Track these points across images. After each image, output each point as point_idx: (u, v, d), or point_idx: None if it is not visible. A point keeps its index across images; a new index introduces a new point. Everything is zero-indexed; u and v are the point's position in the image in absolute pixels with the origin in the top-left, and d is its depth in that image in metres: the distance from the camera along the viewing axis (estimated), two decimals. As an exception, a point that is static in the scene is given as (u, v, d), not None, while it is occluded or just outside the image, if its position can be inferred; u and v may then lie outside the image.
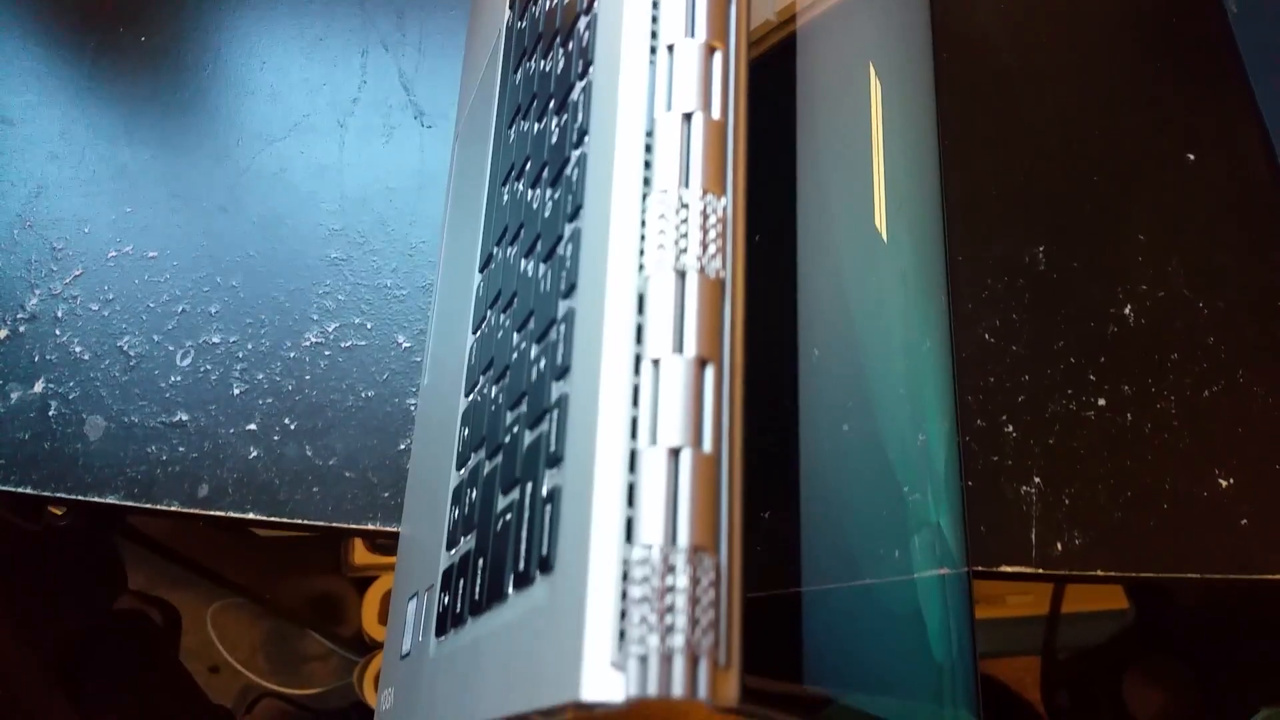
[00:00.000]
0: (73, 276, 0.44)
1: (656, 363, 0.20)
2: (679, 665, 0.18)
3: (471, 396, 0.32)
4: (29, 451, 0.41)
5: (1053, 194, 0.44)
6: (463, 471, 0.32)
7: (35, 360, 0.42)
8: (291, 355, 0.43)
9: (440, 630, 0.31)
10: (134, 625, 0.60)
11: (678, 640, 0.18)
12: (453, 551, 0.31)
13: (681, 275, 0.20)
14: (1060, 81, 0.46)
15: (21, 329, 0.43)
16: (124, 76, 0.47)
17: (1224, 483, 0.41)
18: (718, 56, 0.22)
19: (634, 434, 0.20)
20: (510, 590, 0.24)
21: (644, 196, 0.21)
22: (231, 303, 0.43)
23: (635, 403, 0.20)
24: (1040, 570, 0.40)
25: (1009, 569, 0.40)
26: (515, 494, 0.25)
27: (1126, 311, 0.43)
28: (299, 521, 0.41)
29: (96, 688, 0.55)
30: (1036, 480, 0.41)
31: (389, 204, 0.45)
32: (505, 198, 0.33)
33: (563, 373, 0.23)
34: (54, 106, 0.47)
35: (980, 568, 0.40)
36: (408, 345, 0.43)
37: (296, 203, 0.45)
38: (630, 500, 0.19)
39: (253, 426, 0.42)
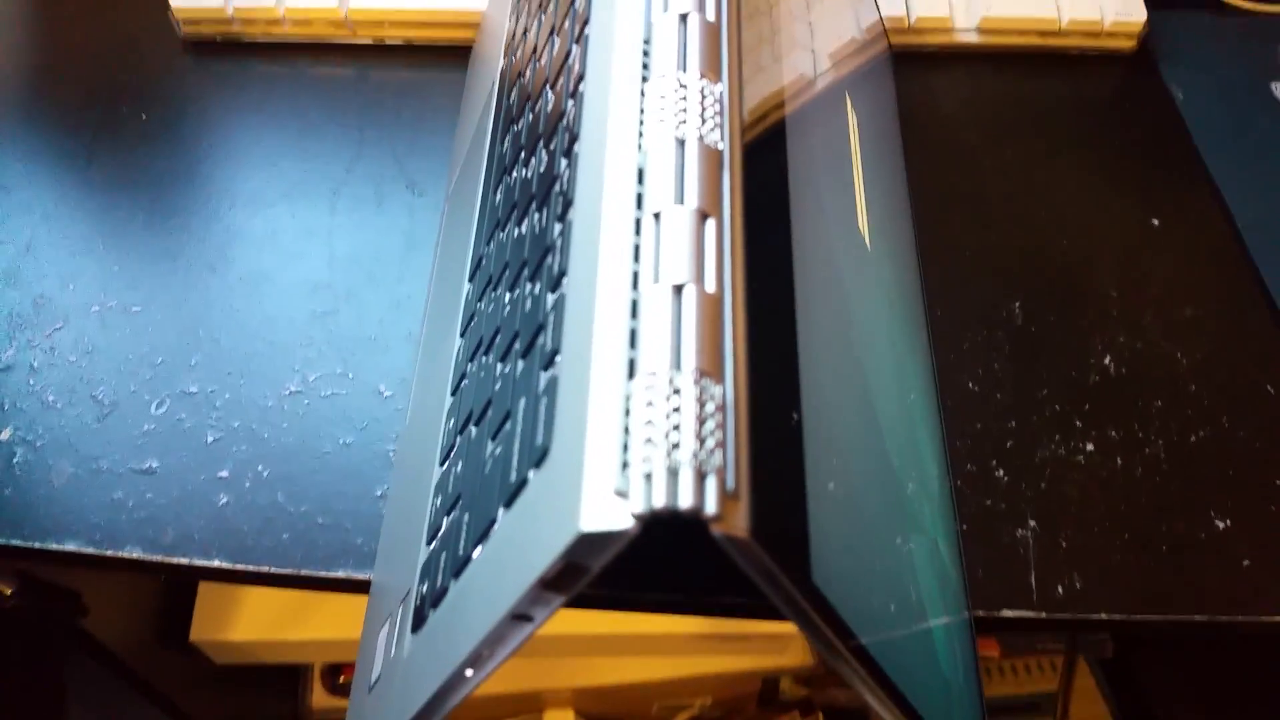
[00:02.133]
0: (53, 329, 0.44)
1: (657, 215, 0.20)
2: (686, 478, 0.17)
3: (456, 395, 0.32)
4: (-11, 493, 0.39)
5: (1024, 253, 0.46)
6: (444, 465, 0.31)
7: (5, 408, 0.41)
8: (269, 404, 0.42)
9: (419, 622, 0.29)
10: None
11: (684, 454, 0.17)
12: (432, 544, 0.30)
13: (681, 144, 0.20)
14: (1021, 154, 0.49)
15: (-5, 376, 0.42)
16: (123, 149, 0.49)
17: (1221, 524, 0.40)
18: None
19: (635, 283, 0.19)
20: (500, 511, 0.23)
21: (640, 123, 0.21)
22: (212, 354, 0.43)
23: (636, 258, 0.20)
24: (1044, 615, 0.39)
25: (1011, 613, 0.39)
26: (508, 405, 0.24)
27: (1106, 361, 0.43)
28: (265, 570, 0.39)
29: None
30: (1032, 523, 0.40)
31: (377, 261, 0.45)
32: (491, 245, 0.34)
33: (562, 266, 0.23)
34: (51, 175, 0.48)
35: (982, 612, 0.39)
36: (389, 393, 0.42)
37: (285, 261, 0.45)
38: (633, 343, 0.19)
39: (224, 473, 0.40)
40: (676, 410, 0.17)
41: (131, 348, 0.43)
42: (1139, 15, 0.50)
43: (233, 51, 0.52)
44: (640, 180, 0.20)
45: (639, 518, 0.16)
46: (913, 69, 0.52)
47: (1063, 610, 0.39)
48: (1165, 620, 0.39)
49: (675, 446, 0.16)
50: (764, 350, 0.20)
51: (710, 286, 0.18)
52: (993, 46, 0.52)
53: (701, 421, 0.17)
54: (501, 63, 0.41)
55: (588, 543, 0.17)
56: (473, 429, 0.27)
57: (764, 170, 0.28)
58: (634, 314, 0.18)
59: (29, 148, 0.49)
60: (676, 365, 0.17)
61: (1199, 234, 0.46)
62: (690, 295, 0.18)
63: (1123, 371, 0.43)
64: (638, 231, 0.19)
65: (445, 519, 0.29)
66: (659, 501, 0.16)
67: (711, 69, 0.21)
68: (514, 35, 0.39)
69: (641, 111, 0.21)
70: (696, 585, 0.37)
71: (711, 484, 0.16)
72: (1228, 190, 0.47)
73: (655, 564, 0.37)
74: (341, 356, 0.43)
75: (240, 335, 0.43)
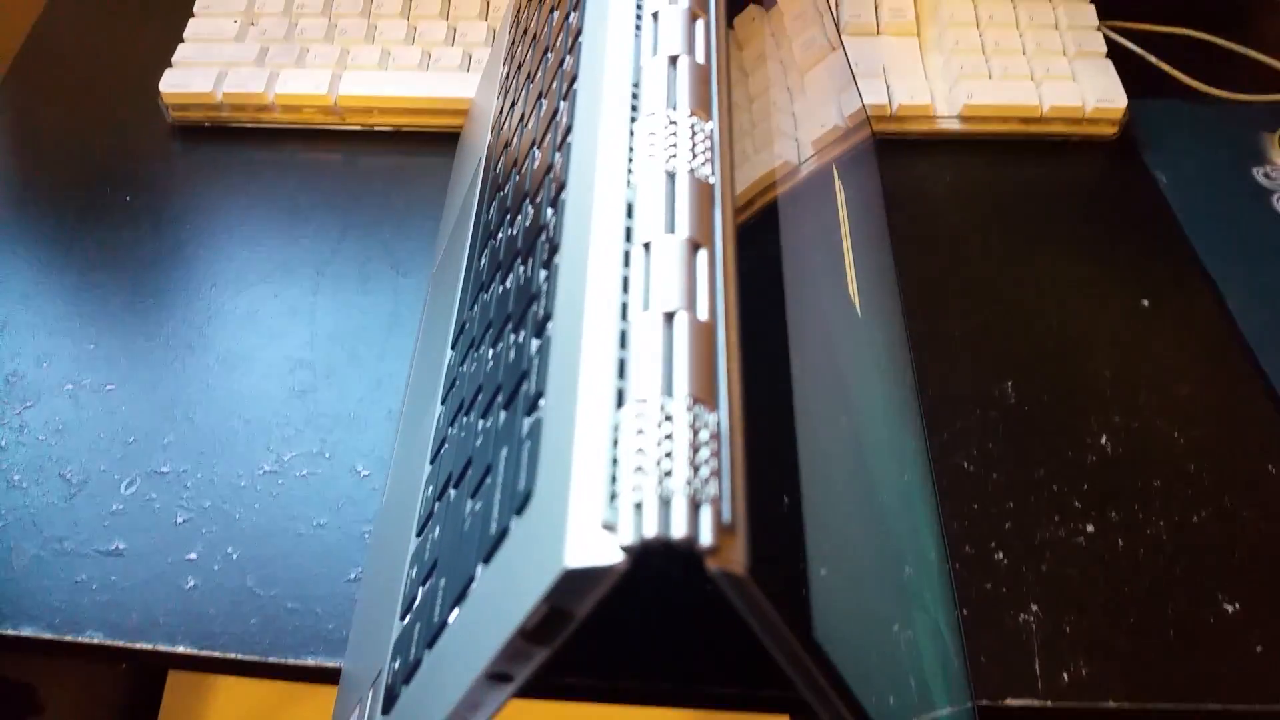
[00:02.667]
0: (23, 407, 0.42)
1: (647, 246, 0.19)
2: (679, 508, 0.16)
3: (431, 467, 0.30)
4: (-56, 575, 0.38)
5: (1014, 333, 0.45)
6: (421, 536, 0.30)
7: (-32, 488, 0.40)
8: (243, 484, 0.40)
9: (389, 702, 0.27)
10: None
11: (677, 482, 0.16)
12: (406, 618, 0.28)
13: (671, 176, 0.20)
14: (1008, 237, 0.49)
15: (-41, 455, 0.41)
16: (105, 231, 0.48)
17: (1230, 608, 0.38)
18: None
19: (624, 314, 0.18)
20: (479, 568, 0.21)
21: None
22: (186, 433, 0.42)
23: (625, 289, 0.19)
24: (1049, 703, 0.37)
25: (1015, 702, 0.37)
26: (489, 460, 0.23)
27: (1103, 441, 0.42)
28: (231, 657, 0.37)
29: None
30: (1034, 608, 0.38)
31: (359, 340, 0.45)
32: (475, 308, 0.33)
33: (547, 309, 0.22)
34: (31, 256, 0.47)
35: (985, 701, 0.37)
36: (367, 473, 0.41)
37: (265, 340, 0.45)
38: (621, 373, 0.18)
39: (193, 555, 0.39)
40: (668, 438, 0.16)
41: (103, 426, 0.42)
42: (1120, 101, 0.51)
43: (221, 136, 0.53)
44: (629, 214, 0.19)
45: (629, 550, 0.15)
46: (897, 156, 0.52)
47: (1069, 698, 0.37)
48: (1177, 709, 0.37)
49: (667, 475, 0.15)
50: (759, 398, 0.19)
51: (703, 314, 0.17)
52: (975, 133, 0.52)
53: (695, 449, 0.16)
54: (488, 138, 0.41)
55: (573, 582, 0.15)
56: (451, 492, 0.26)
57: (754, 248, 0.28)
58: (623, 344, 0.17)
59: (9, 229, 0.48)
60: (668, 392, 0.16)
61: (1190, 314, 0.46)
62: (682, 322, 0.17)
63: (1120, 451, 0.42)
64: (626, 264, 0.18)
65: (420, 589, 0.27)
66: (650, 531, 0.15)
67: (701, 107, 0.21)
68: (501, 110, 0.39)
69: (630, 149, 0.20)
70: (687, 646, 0.35)
71: (707, 515, 0.15)
72: (1217, 272, 0.47)
73: (643, 613, 0.35)
74: (319, 435, 0.42)
75: (216, 414, 0.42)
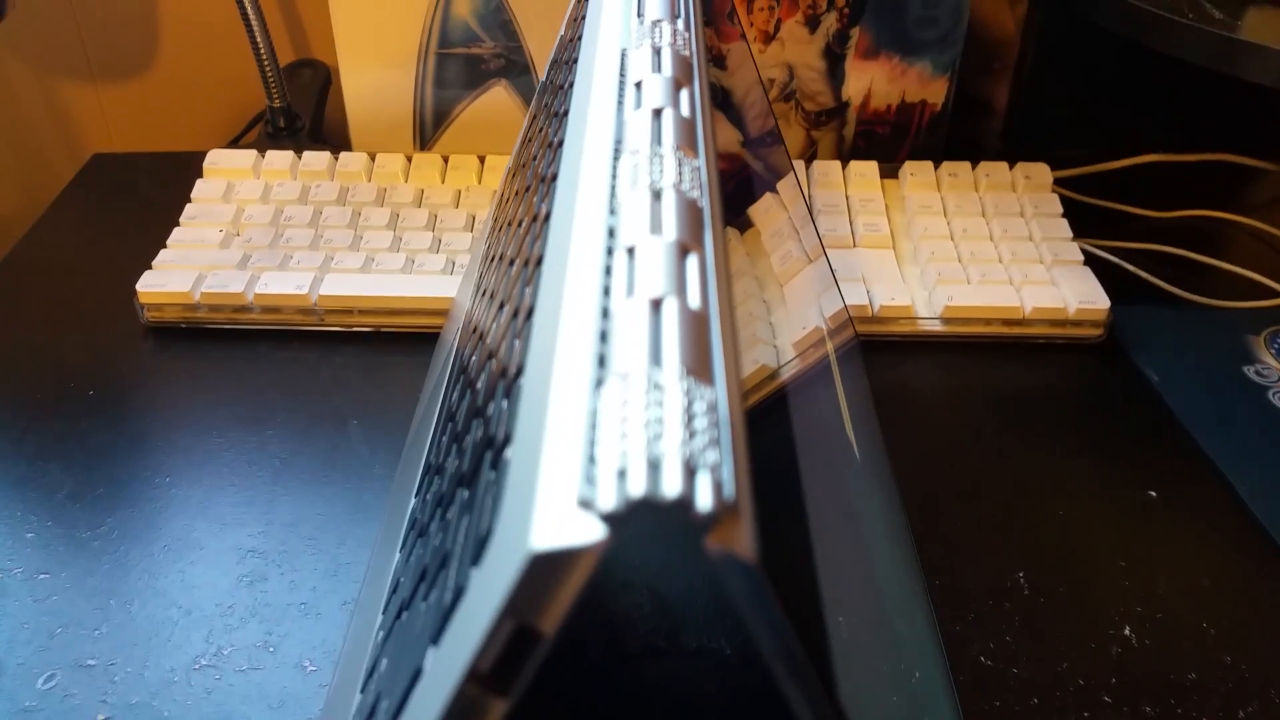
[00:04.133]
0: (-59, 597, 0.39)
1: (631, 250, 0.17)
2: (672, 468, 0.13)
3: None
4: None
5: (1021, 525, 0.43)
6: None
7: None
8: (175, 678, 0.36)
9: None
10: None
11: (669, 444, 0.13)
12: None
13: (657, 195, 0.18)
14: (1003, 432, 0.47)
15: None
16: (61, 423, 0.46)
17: (1296, 817, 0.33)
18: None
19: (606, 314, 0.16)
20: (429, 651, 0.18)
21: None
22: (121, 623, 0.38)
23: (607, 294, 0.17)
24: None
25: None
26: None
27: (1127, 632, 0.38)
28: None
29: None
30: (1072, 818, 0.33)
31: (319, 527, 0.41)
32: (444, 437, 0.31)
33: (520, 363, 0.19)
34: (-21, 444, 0.45)
35: None
36: (314, 668, 0.36)
37: (218, 527, 0.41)
38: (601, 364, 0.15)
39: (109, 760, 0.34)
40: (659, 404, 0.13)
41: (29, 616, 0.38)
42: (1103, 303, 0.51)
43: (194, 336, 0.52)
44: (611, 235, 0.17)
45: (610, 518, 0.12)
46: (882, 356, 0.51)
47: None
48: None
49: (656, 438, 0.13)
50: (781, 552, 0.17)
51: (694, 303, 0.15)
52: (959, 335, 0.52)
53: (690, 417, 0.13)
54: (468, 305, 0.40)
55: (541, 575, 0.12)
56: (404, 615, 0.23)
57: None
58: (603, 339, 0.15)
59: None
60: (656, 362, 0.14)
61: (1200, 504, 0.44)
62: (671, 307, 0.15)
63: (1146, 643, 0.38)
64: (608, 273, 0.16)
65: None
66: (636, 490, 0.12)
67: (688, 145, 0.20)
68: (474, 295, 0.39)
69: (613, 177, 0.19)
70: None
71: (705, 480, 0.12)
72: (1224, 462, 0.45)
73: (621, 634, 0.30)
74: (265, 626, 0.38)
75: (155, 604, 0.38)
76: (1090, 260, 0.55)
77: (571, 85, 0.31)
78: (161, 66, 0.76)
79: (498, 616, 0.13)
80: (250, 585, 0.39)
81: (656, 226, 0.17)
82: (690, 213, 0.17)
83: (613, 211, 0.18)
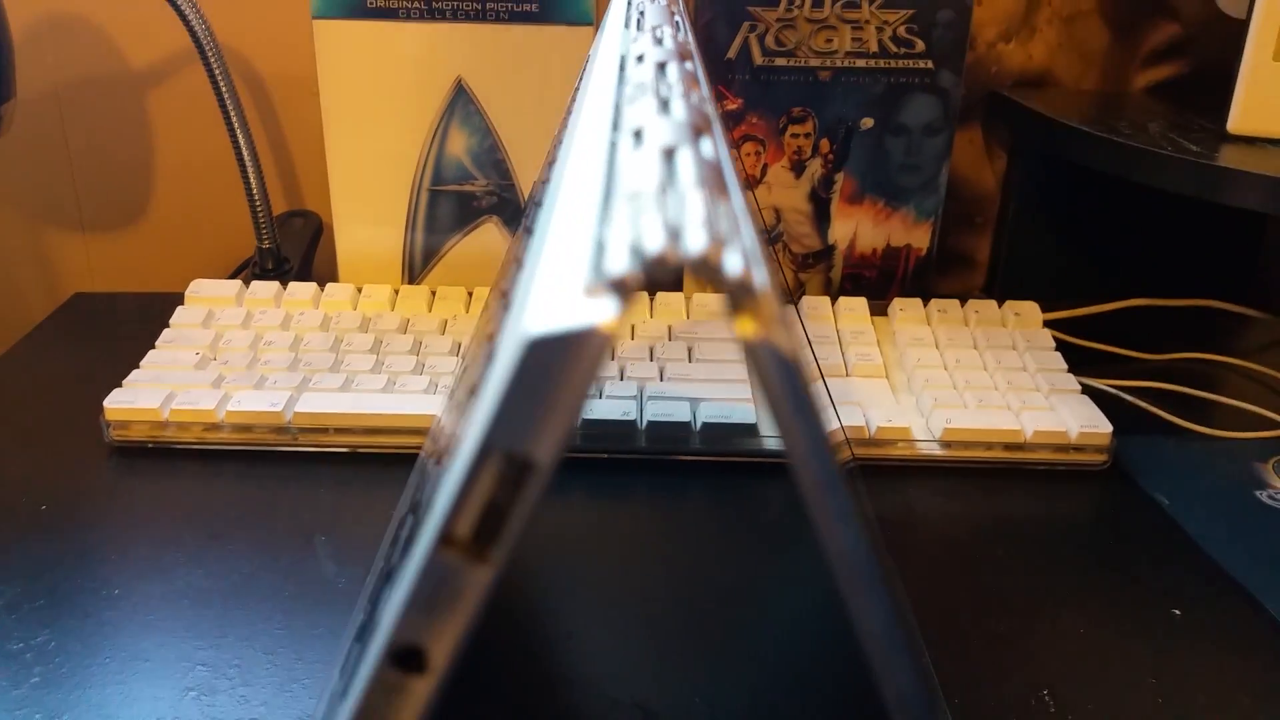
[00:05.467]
0: None
1: (638, 133, 0.15)
2: (695, 233, 0.11)
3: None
4: None
5: (1039, 644, 0.39)
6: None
7: None
8: (102, 800, 0.32)
9: None
10: None
11: (691, 214, 0.11)
12: None
13: (665, 103, 0.17)
14: (1012, 556, 0.44)
15: None
16: (8, 535, 0.43)
17: None
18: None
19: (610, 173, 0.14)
20: (383, 593, 0.15)
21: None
22: (42, 741, 0.34)
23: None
24: None
25: None
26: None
27: (1168, 754, 0.35)
28: None
29: None
30: None
31: (277, 641, 0.38)
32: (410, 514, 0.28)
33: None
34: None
35: None
36: (263, 788, 0.32)
37: (168, 638, 0.38)
38: (608, 197, 0.13)
39: None
40: (679, 206, 0.11)
41: (-60, 733, 0.34)
42: (1105, 428, 0.49)
43: (160, 456, 0.49)
44: (615, 123, 0.16)
45: (619, 286, 0.10)
46: (881, 480, 0.49)
47: None
48: None
49: (678, 206, 0.11)
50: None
51: (708, 153, 0.14)
52: (959, 459, 0.50)
53: (713, 206, 0.11)
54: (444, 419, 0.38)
55: (542, 363, 0.10)
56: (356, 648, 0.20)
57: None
58: (608, 188, 0.13)
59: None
60: (672, 184, 0.12)
61: (1229, 622, 0.41)
62: (685, 156, 0.13)
63: (1191, 765, 0.34)
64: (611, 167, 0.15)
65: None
66: (654, 246, 0.10)
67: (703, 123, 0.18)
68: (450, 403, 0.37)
69: (619, 93, 0.17)
70: None
71: (735, 253, 0.10)
72: (1249, 581, 0.42)
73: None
74: (210, 742, 0.34)
75: (88, 717, 0.34)
76: (1087, 391, 0.54)
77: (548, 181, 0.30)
78: (152, 214, 0.76)
79: (475, 452, 0.10)
80: (197, 698, 0.35)
81: (664, 109, 0.16)
82: (699, 112, 0.16)
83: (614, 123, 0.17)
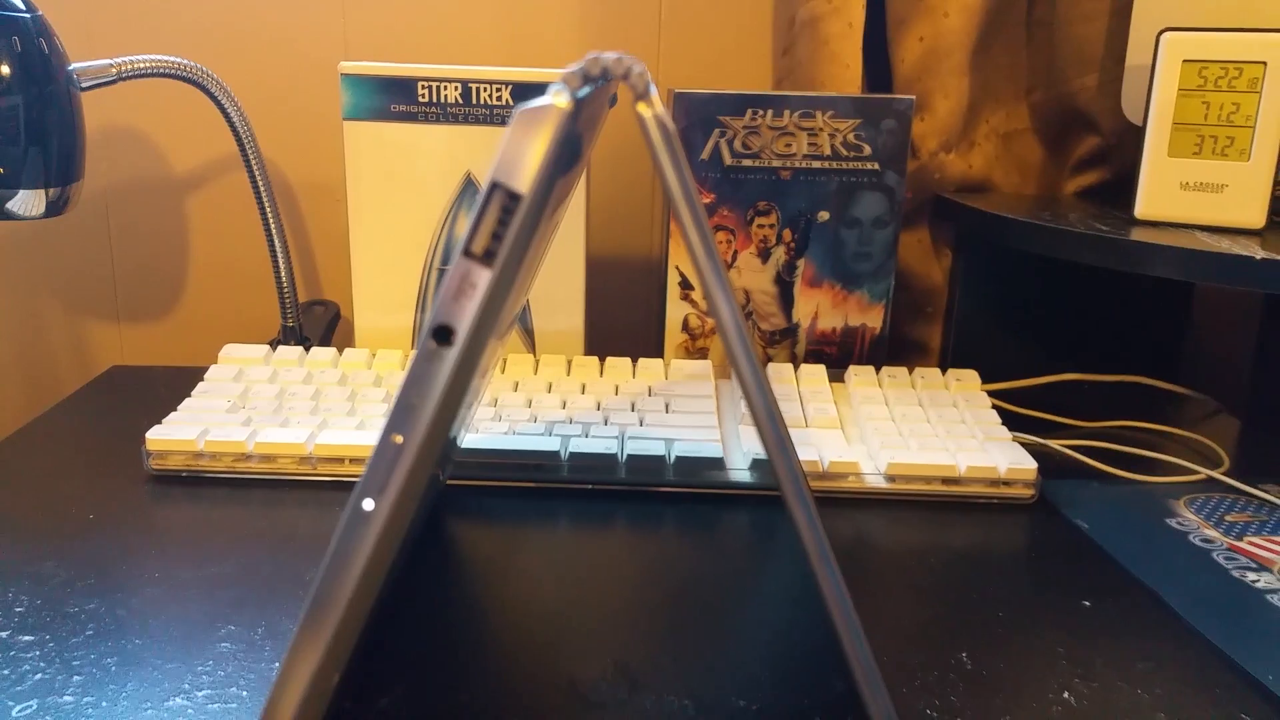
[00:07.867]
0: (-74, 653, 0.40)
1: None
2: (617, 61, 0.18)
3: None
4: None
5: (964, 624, 0.45)
6: None
7: None
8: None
9: None
10: None
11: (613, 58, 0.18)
12: None
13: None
14: (948, 569, 0.50)
15: None
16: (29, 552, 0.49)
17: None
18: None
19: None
20: None
21: None
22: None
23: None
24: None
25: None
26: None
27: (1065, 695, 0.40)
28: None
29: None
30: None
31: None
32: None
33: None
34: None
35: None
36: None
37: (193, 629, 0.43)
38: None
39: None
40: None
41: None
42: (1030, 464, 0.56)
43: (193, 483, 0.55)
44: None
45: (565, 80, 0.17)
46: (834, 509, 0.55)
47: None
48: None
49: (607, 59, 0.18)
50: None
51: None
52: (903, 492, 0.56)
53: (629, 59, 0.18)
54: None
55: (524, 124, 0.17)
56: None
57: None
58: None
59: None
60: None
61: (1131, 610, 0.46)
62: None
63: (1085, 705, 0.40)
64: None
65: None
66: (594, 69, 0.17)
67: None
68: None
69: None
70: None
71: (638, 67, 0.17)
72: (1151, 581, 0.48)
73: None
74: None
75: None
76: (1020, 443, 0.60)
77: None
78: (183, 303, 0.85)
79: (483, 198, 0.17)
80: (210, 691, 0.41)
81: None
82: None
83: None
